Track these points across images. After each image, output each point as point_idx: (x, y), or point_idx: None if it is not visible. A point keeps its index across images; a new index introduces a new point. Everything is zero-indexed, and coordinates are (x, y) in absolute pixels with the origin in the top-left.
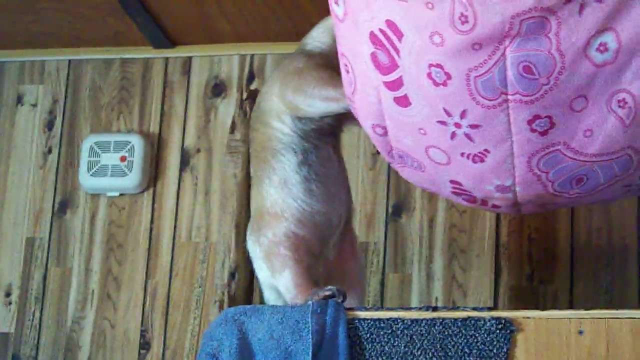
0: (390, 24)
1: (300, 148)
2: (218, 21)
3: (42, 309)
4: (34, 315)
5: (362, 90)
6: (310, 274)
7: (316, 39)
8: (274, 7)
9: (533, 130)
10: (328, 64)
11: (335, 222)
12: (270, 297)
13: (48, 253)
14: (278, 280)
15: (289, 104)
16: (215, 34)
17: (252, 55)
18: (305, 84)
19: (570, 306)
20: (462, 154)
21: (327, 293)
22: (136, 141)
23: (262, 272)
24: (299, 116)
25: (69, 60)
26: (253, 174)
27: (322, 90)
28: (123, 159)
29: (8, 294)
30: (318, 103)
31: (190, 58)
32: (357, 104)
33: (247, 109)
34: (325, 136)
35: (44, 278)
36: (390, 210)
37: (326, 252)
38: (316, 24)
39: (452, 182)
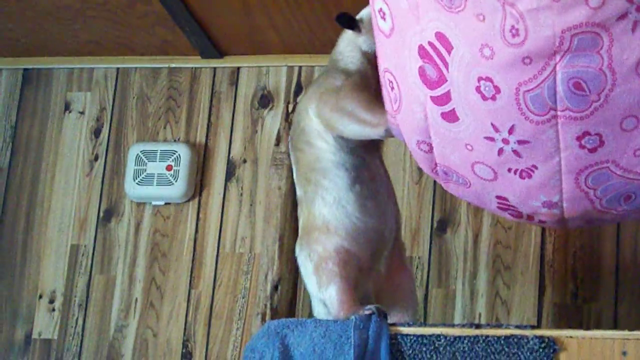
0: (440, 36)
1: (351, 165)
2: (267, 32)
3: (85, 316)
4: (76, 323)
5: (408, 106)
6: (356, 291)
7: (345, 55)
8: (321, 19)
9: (582, 147)
10: (366, 85)
11: (387, 236)
12: (320, 311)
13: (92, 261)
14: (324, 294)
15: (325, 121)
16: (263, 45)
17: (300, 67)
18: (343, 104)
19: (615, 325)
20: (509, 170)
21: (367, 312)
22: (182, 150)
23: (311, 285)
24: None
25: (117, 69)
26: (302, 195)
27: (360, 113)
28: (169, 168)
29: (52, 301)
30: (354, 126)
31: (238, 68)
32: (402, 121)
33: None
34: (371, 150)
35: (88, 286)
36: (435, 225)
37: (378, 267)
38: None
39: (498, 197)
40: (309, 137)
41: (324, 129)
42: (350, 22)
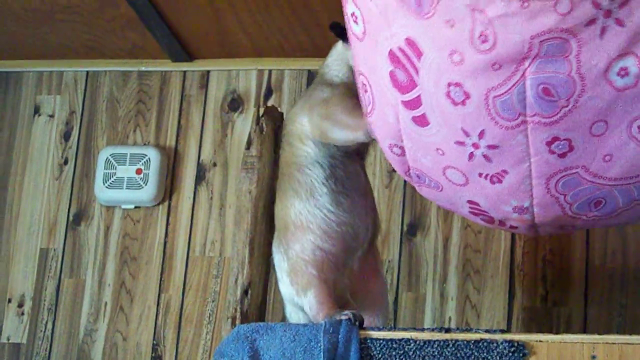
0: (410, 42)
1: (327, 164)
2: (237, 36)
3: (54, 320)
4: (46, 327)
5: (380, 109)
6: (334, 291)
7: (332, 68)
8: (292, 23)
9: (552, 152)
10: (352, 94)
11: (362, 234)
12: (291, 313)
13: (62, 264)
14: (302, 299)
15: (318, 130)
16: (233, 48)
17: (270, 71)
18: (332, 112)
19: (584, 329)
20: (480, 175)
21: (344, 317)
22: (152, 154)
23: (285, 286)
24: (328, 142)
25: (87, 72)
26: (277, 189)
27: (343, 119)
28: (139, 171)
29: (21, 305)
30: (339, 131)
31: (208, 72)
32: (374, 123)
33: (264, 125)
34: (352, 155)
35: (57, 289)
36: (405, 228)
37: (351, 263)
38: (334, 40)
39: (469, 202)
40: (291, 138)
41: (309, 135)
42: (342, 32)
